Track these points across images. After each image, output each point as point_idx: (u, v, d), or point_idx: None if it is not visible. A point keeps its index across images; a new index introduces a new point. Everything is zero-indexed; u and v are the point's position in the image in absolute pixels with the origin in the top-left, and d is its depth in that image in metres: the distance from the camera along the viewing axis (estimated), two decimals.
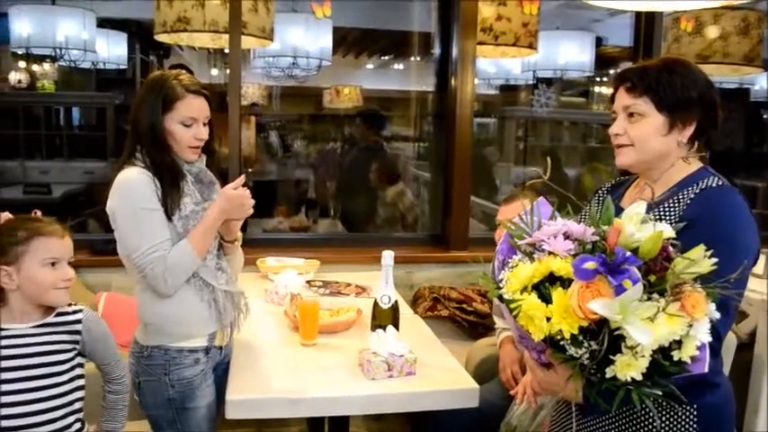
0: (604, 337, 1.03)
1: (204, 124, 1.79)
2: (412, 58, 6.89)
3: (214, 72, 6.86)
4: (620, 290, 1.02)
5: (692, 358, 1.05)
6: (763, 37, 3.49)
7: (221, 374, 1.85)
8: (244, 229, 3.32)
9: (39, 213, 1.67)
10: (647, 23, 3.46)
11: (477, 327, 3.03)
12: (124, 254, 1.73)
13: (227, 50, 3.12)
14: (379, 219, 4.31)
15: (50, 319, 1.58)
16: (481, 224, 4.02)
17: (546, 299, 1.08)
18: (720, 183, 1.37)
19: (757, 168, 7.30)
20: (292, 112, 7.41)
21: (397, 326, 1.89)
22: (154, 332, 1.77)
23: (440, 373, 1.81)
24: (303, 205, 4.82)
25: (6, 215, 1.63)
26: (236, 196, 1.76)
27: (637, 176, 1.54)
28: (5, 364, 1.51)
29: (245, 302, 1.91)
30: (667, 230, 1.09)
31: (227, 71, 3.08)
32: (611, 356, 1.04)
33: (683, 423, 1.34)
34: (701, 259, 1.05)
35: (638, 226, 1.07)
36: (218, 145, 3.11)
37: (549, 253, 1.11)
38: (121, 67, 5.25)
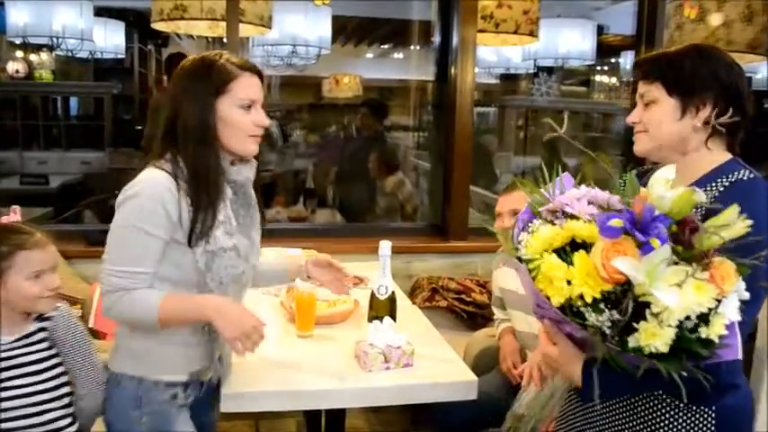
0: (628, 304, 0.99)
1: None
2: (412, 47, 6.86)
3: None
4: (647, 249, 0.98)
5: (721, 338, 1.01)
6: (767, 24, 3.44)
7: (207, 395, 1.63)
8: None
9: (17, 213, 1.62)
10: (649, 11, 3.42)
11: (475, 317, 3.01)
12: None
13: (225, 39, 3.08)
14: (379, 208, 4.29)
15: (31, 328, 1.56)
16: (481, 214, 4.00)
17: (567, 263, 1.05)
18: (752, 176, 1.33)
19: (759, 157, 7.29)
20: (291, 101, 7.38)
21: (394, 317, 1.86)
22: (130, 358, 1.54)
23: (438, 364, 1.79)
24: (301, 195, 4.80)
25: None
26: (248, 322, 1.45)
27: (658, 166, 1.48)
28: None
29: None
30: (700, 195, 1.06)
31: None
32: (635, 324, 1.00)
33: (701, 425, 1.30)
34: (734, 222, 1.02)
35: (668, 187, 1.05)
36: None
37: (572, 217, 1.08)
38: (119, 56, 5.22)
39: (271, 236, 3.05)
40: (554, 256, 1.04)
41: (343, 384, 1.66)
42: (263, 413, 2.63)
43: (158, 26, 3.21)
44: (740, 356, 1.06)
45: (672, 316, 0.97)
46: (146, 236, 1.42)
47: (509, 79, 6.26)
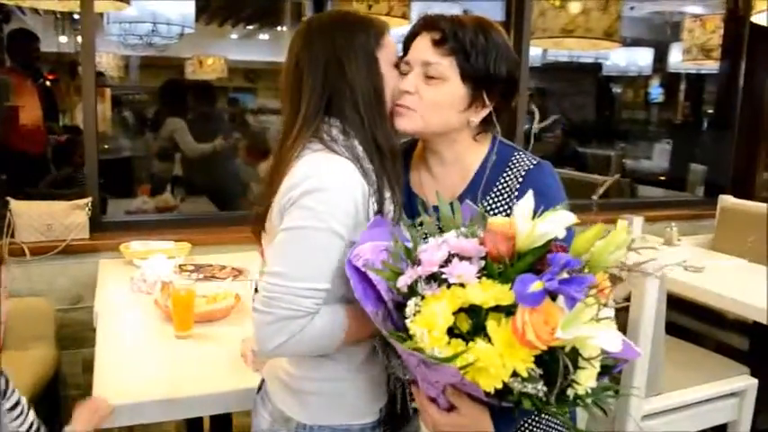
0: (565, 362, 0.86)
1: None
2: (279, 28, 6.70)
3: (63, 39, 6.32)
4: (571, 303, 0.84)
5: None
6: (620, 13, 3.65)
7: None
8: (104, 211, 3.07)
9: None
10: None
11: None
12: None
13: (76, 15, 2.82)
14: (253, 196, 4.15)
15: None
16: None
17: (463, 337, 0.89)
18: (535, 161, 1.27)
19: (608, 138, 7.80)
20: (152, 83, 7.00)
21: None
22: (323, 406, 1.23)
23: None
24: (169, 183, 4.54)
25: None
26: None
27: (411, 144, 1.39)
28: None
29: None
30: (569, 216, 0.94)
31: (78, 38, 2.78)
32: (570, 376, 0.88)
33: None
34: (623, 240, 0.91)
35: (553, 222, 0.91)
36: None
37: (447, 285, 0.91)
38: None
39: (137, 228, 2.88)
40: (481, 342, 0.87)
41: (228, 386, 1.56)
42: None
43: None
44: (641, 351, 1.05)
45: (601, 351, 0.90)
46: (336, 240, 1.09)
47: None
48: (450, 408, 1.01)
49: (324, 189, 1.09)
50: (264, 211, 1.19)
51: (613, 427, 2.15)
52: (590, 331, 0.85)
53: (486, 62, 1.19)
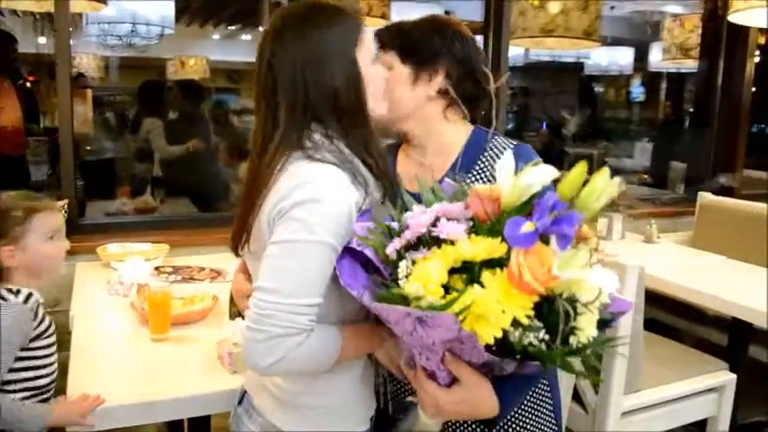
0: (565, 308, 0.85)
1: None
2: (261, 29, 6.66)
3: (42, 40, 6.26)
4: (565, 242, 0.83)
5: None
6: (600, 12, 3.66)
7: None
8: (82, 213, 3.03)
9: None
10: None
11: None
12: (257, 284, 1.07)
13: (55, 15, 2.79)
14: (234, 197, 4.13)
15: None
16: None
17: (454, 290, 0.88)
18: (515, 142, 1.34)
19: (590, 137, 7.85)
20: (134, 84, 6.97)
21: None
22: (322, 418, 1.20)
23: None
24: (148, 184, 4.51)
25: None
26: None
27: (397, 143, 1.47)
28: None
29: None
30: (550, 169, 0.94)
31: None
32: (572, 323, 0.86)
33: (542, 398, 1.37)
34: (607, 185, 0.90)
35: (535, 173, 0.92)
36: None
37: (440, 243, 0.92)
38: None
39: (116, 230, 2.85)
40: (476, 288, 0.86)
41: (206, 389, 1.54)
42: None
43: None
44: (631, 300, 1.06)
45: (600, 296, 0.88)
46: (330, 253, 1.04)
47: None
48: (451, 383, 1.00)
49: (316, 200, 1.04)
50: (243, 225, 1.15)
51: (593, 427, 2.16)
52: (586, 273, 0.86)
53: (418, 42, 1.33)
